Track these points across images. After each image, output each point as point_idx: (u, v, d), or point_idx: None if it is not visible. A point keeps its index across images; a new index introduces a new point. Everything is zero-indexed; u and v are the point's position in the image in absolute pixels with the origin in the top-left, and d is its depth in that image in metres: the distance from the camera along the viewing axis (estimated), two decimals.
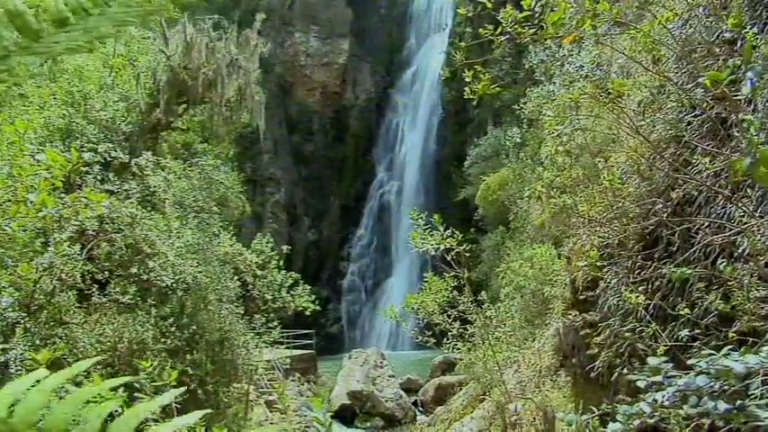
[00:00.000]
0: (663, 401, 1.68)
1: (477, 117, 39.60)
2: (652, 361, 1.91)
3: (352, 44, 50.41)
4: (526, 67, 16.44)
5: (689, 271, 3.96)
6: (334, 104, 50.30)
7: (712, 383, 1.63)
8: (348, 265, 47.87)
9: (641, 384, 1.90)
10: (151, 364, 3.86)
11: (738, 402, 1.60)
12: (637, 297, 4.48)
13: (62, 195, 7.48)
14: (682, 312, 4.30)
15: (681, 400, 1.63)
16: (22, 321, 10.65)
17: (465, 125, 42.10)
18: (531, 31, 3.96)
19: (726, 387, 1.61)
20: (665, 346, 4.04)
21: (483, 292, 11.06)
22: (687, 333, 4.31)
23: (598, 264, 5.86)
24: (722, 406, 1.61)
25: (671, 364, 1.88)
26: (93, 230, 13.06)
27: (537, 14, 3.99)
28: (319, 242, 48.01)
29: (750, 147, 2.02)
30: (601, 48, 9.05)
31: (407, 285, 36.23)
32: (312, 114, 49.67)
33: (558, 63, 11.65)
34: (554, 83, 12.44)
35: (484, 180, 26.00)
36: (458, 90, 34.42)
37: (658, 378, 1.83)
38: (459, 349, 8.91)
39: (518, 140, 19.76)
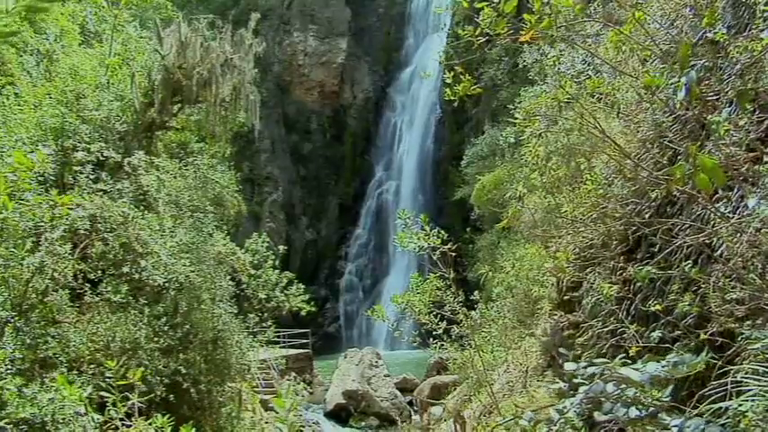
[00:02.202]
0: (571, 409, 1.67)
1: (474, 116, 39.61)
2: (569, 366, 1.91)
3: (350, 43, 50.42)
4: (520, 66, 16.45)
5: (653, 270, 3.96)
6: (332, 104, 50.32)
7: (619, 391, 1.62)
8: (346, 265, 47.89)
9: (543, 392, 1.90)
10: (117, 363, 3.86)
11: (651, 409, 1.60)
12: (610, 288, 4.48)
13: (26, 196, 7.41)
14: (652, 311, 4.30)
15: (594, 407, 1.62)
16: (12, 321, 10.65)
17: (463, 124, 42.11)
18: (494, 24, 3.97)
19: (638, 394, 1.61)
20: (637, 347, 4.05)
21: (477, 292, 11.06)
22: (662, 334, 4.31)
23: (581, 264, 5.86)
24: (633, 412, 1.61)
25: (592, 369, 1.87)
26: (86, 230, 13.07)
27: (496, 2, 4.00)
28: (317, 241, 48.03)
29: (689, 152, 2.02)
30: (595, 46, 9.06)
31: (404, 285, 36.22)
32: (310, 114, 49.69)
33: (551, 63, 11.64)
34: (546, 83, 12.43)
35: (480, 179, 26.02)
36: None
37: (562, 384, 1.83)
38: (446, 349, 8.92)
39: (512, 140, 19.74)
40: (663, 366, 1.71)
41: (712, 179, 1.91)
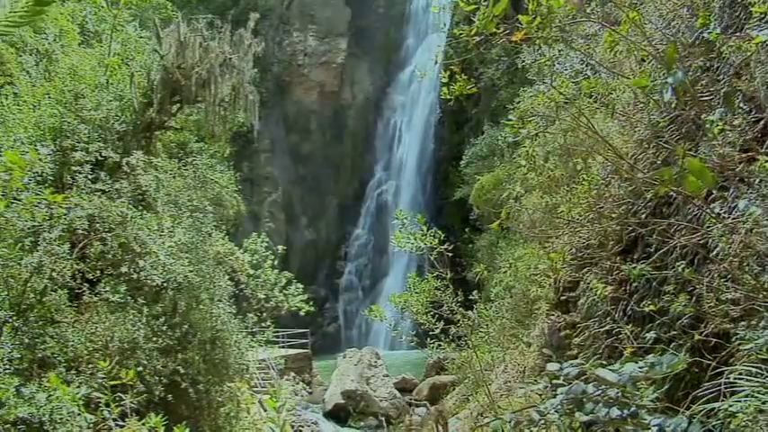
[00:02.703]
0: (551, 409, 1.67)
1: (474, 117, 39.62)
2: (550, 367, 1.91)
3: (350, 43, 50.40)
4: (519, 66, 16.44)
5: (647, 270, 3.96)
6: (331, 104, 50.29)
7: (600, 391, 1.62)
8: (345, 265, 47.88)
9: (520, 392, 1.91)
10: (110, 363, 3.86)
11: (632, 409, 1.60)
12: (604, 288, 4.48)
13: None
14: (648, 312, 4.30)
15: (576, 407, 1.62)
16: (10, 320, 10.66)
17: (462, 124, 42.11)
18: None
19: (619, 394, 1.61)
20: (632, 347, 4.04)
21: (475, 292, 11.05)
22: (658, 335, 4.31)
23: (578, 264, 5.86)
24: (615, 413, 1.61)
25: (576, 370, 1.87)
26: (85, 229, 13.08)
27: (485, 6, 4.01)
28: (317, 241, 48.01)
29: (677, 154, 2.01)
30: (593, 47, 9.05)
31: (404, 285, 36.16)
32: (310, 114, 49.66)
33: (549, 63, 11.64)
34: (545, 83, 12.43)
35: (479, 180, 26.05)
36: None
37: (540, 385, 1.84)
38: (443, 350, 8.93)
39: (511, 140, 19.76)
40: (640, 368, 1.71)
41: (701, 181, 1.91)
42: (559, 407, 1.67)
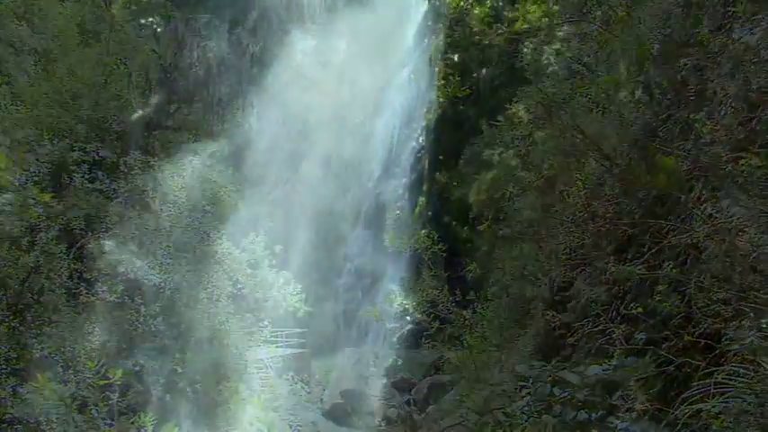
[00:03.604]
0: (517, 411, 1.67)
1: (473, 116, 39.60)
2: (520, 368, 1.90)
3: (349, 43, 50.38)
4: (517, 66, 16.49)
5: (638, 270, 3.96)
6: (331, 103, 50.25)
7: (568, 393, 1.62)
8: (345, 264, 47.84)
9: (483, 396, 1.90)
10: (96, 363, 3.87)
11: (600, 412, 1.60)
12: (591, 291, 4.48)
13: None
14: (635, 313, 4.30)
15: (545, 410, 1.62)
16: (8, 320, 10.68)
17: (462, 124, 42.10)
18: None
19: (588, 396, 1.60)
20: (622, 348, 4.04)
21: (471, 291, 11.02)
22: (650, 335, 4.31)
23: (573, 264, 5.86)
24: (582, 416, 1.60)
25: (537, 371, 1.87)
26: (82, 229, 13.10)
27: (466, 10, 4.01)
28: (316, 241, 47.98)
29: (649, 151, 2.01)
30: (590, 46, 9.06)
31: (403, 285, 36.15)
32: (309, 113, 49.63)
33: (546, 63, 11.70)
34: (542, 82, 12.44)
35: (477, 179, 26.06)
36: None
37: (503, 386, 1.84)
38: (439, 349, 8.93)
39: (508, 140, 19.74)
40: (604, 370, 1.71)
41: (671, 179, 1.90)
42: (527, 408, 1.67)
